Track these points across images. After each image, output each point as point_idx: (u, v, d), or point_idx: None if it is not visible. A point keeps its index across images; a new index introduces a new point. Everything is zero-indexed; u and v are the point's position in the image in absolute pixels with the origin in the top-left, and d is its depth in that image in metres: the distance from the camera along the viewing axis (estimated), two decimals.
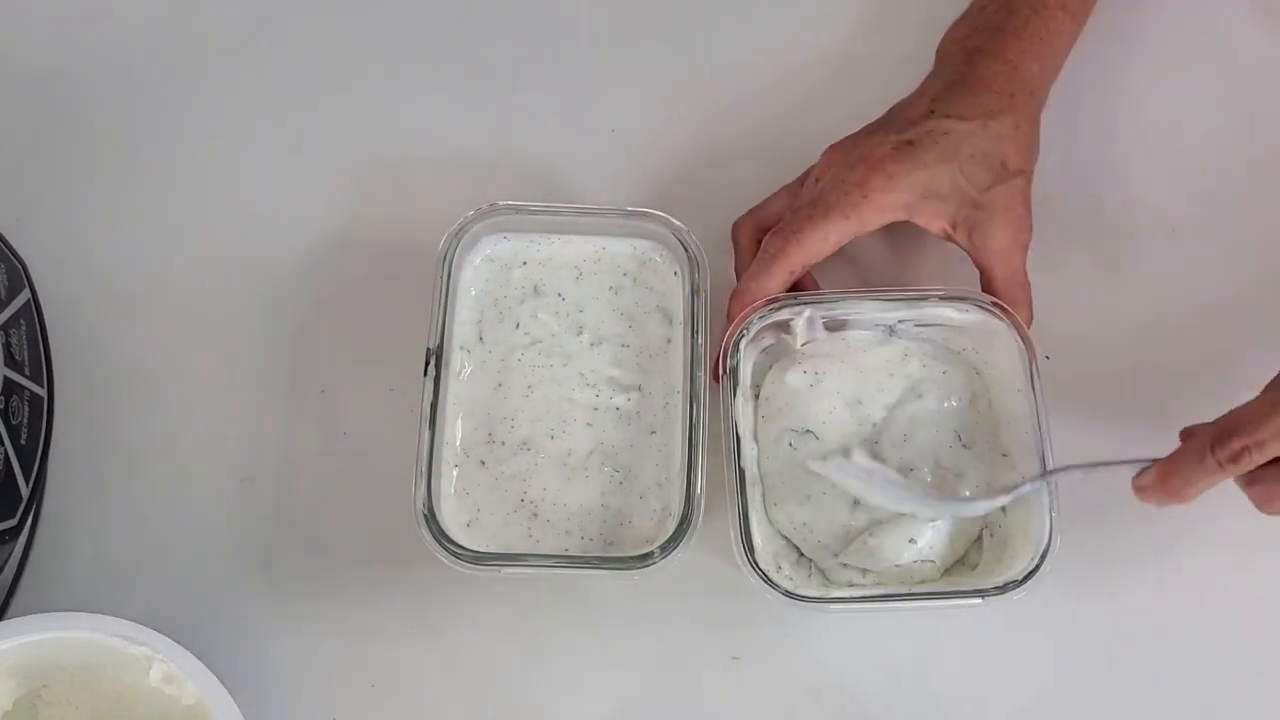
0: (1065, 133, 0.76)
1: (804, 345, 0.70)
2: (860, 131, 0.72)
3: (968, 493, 0.66)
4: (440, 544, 0.64)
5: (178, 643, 0.60)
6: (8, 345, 0.67)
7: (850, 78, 0.81)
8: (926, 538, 0.65)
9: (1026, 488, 0.64)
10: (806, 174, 0.73)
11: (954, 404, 0.69)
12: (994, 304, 0.68)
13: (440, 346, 0.68)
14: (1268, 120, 0.80)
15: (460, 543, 0.65)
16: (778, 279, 0.68)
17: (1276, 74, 0.81)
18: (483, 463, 0.68)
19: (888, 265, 0.76)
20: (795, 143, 0.74)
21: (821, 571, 0.67)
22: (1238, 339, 0.73)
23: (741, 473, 0.66)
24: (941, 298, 0.69)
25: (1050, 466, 0.64)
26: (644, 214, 0.71)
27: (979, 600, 0.63)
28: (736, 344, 0.68)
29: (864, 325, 0.70)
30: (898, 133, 0.70)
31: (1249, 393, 0.61)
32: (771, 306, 0.68)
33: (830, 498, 0.66)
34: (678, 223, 0.71)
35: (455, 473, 0.68)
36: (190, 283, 0.76)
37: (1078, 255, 0.76)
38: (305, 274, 0.76)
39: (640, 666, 0.68)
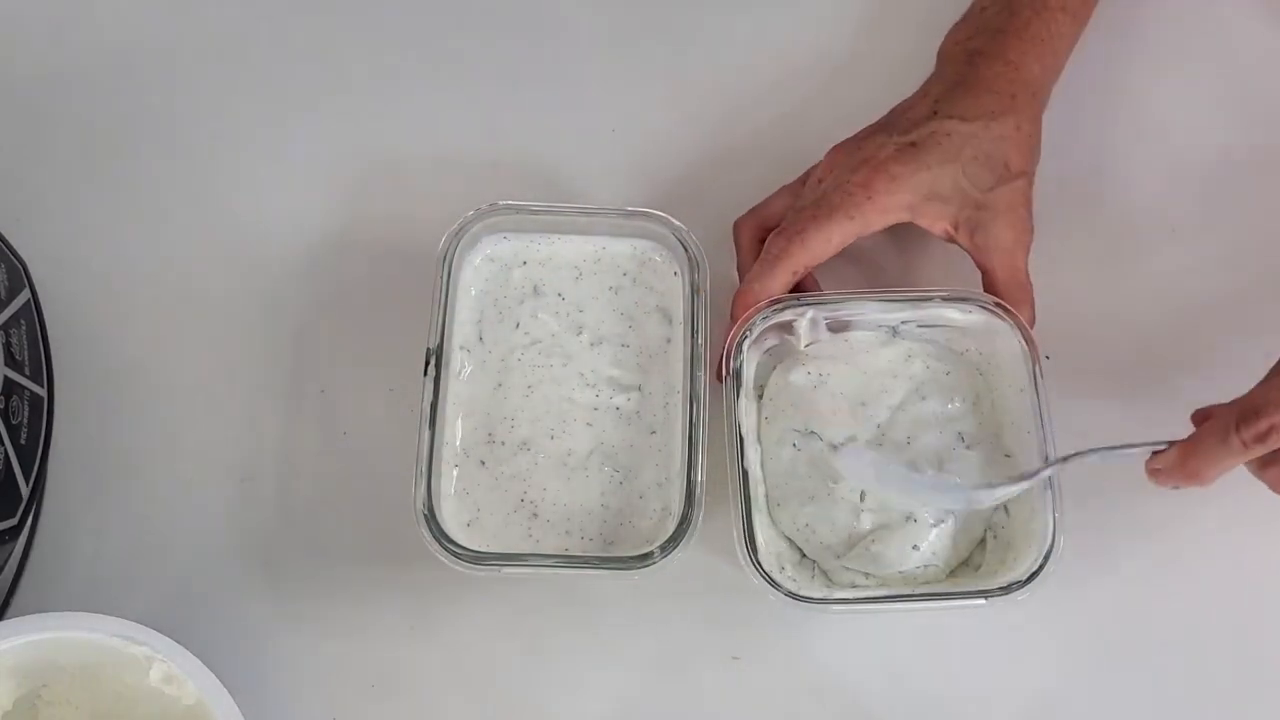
0: (1066, 133, 0.76)
1: (807, 346, 0.70)
2: (863, 132, 0.72)
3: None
4: (440, 544, 0.64)
5: (178, 643, 0.60)
6: (8, 345, 0.66)
7: (851, 78, 0.81)
8: (929, 543, 0.65)
9: (1046, 472, 0.64)
10: (807, 174, 0.73)
11: (957, 405, 0.68)
12: (996, 304, 0.68)
13: (440, 346, 0.68)
14: (1268, 120, 0.80)
15: (460, 543, 0.65)
16: (781, 279, 0.68)
17: (1277, 74, 0.81)
18: (483, 463, 0.68)
19: (890, 266, 0.76)
20: (796, 143, 0.74)
21: (824, 573, 0.66)
22: (1238, 338, 0.73)
23: (744, 474, 0.65)
24: (944, 299, 0.69)
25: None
26: (644, 214, 0.71)
27: (983, 601, 0.63)
28: (740, 345, 0.68)
29: (867, 326, 0.70)
30: (901, 134, 0.70)
31: None
32: (775, 307, 0.68)
33: (834, 499, 0.66)
34: (678, 223, 0.71)
35: (455, 473, 0.68)
36: (190, 283, 0.76)
37: (1079, 255, 0.76)
38: (305, 274, 0.76)
39: (640, 666, 0.68)
